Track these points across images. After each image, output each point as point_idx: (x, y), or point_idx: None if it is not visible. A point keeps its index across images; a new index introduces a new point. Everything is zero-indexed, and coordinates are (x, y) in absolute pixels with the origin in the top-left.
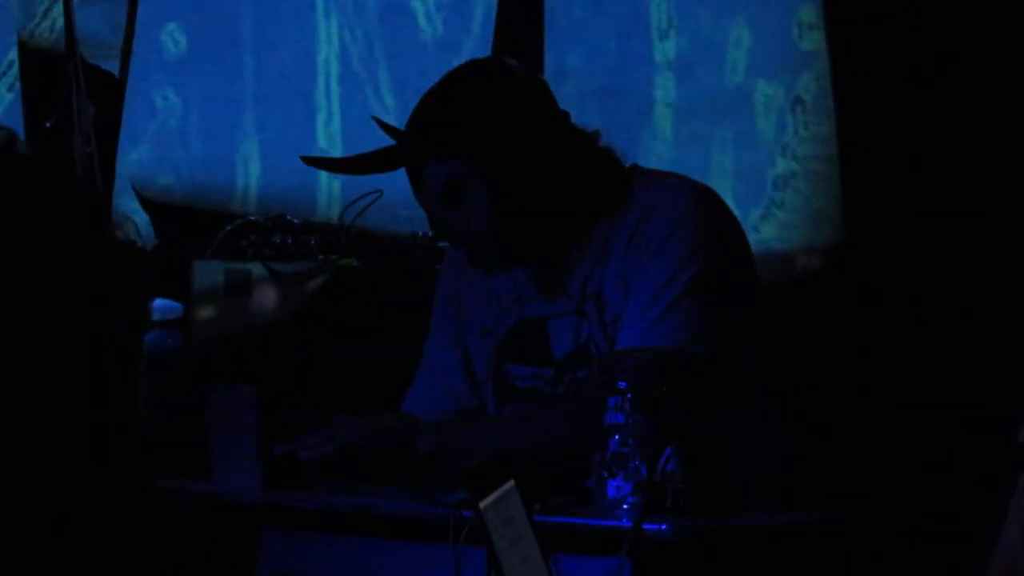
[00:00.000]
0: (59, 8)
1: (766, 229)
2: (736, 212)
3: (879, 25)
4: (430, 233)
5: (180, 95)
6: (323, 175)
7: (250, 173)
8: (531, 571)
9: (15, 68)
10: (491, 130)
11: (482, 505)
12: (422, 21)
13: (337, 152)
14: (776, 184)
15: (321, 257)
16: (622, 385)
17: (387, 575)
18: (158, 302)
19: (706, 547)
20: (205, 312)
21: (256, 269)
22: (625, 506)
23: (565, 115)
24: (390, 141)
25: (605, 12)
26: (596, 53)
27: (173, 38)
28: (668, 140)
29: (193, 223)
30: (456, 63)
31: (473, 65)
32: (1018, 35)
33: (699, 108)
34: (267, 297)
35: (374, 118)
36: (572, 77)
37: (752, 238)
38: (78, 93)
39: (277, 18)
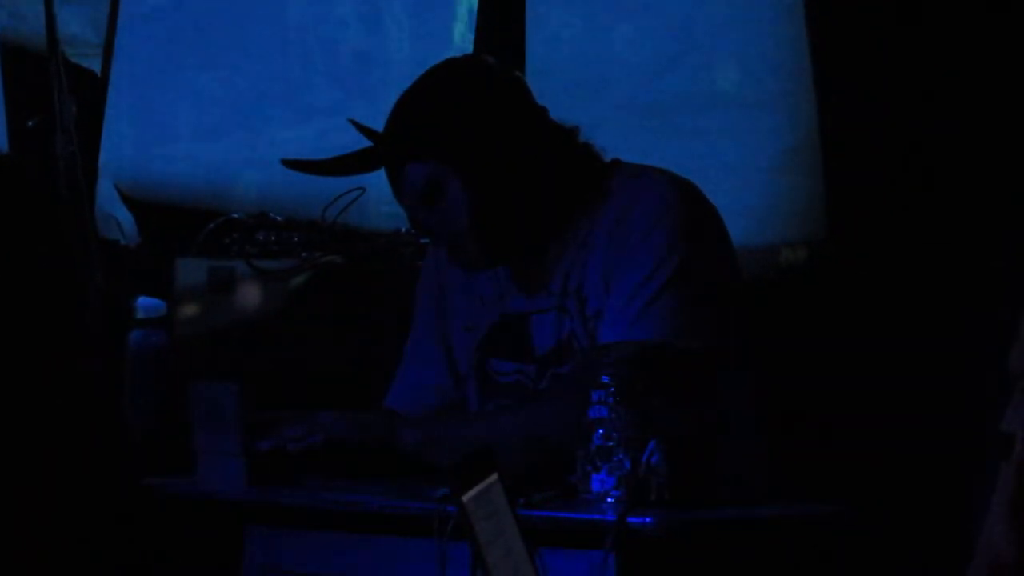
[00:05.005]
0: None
1: (749, 222)
2: (719, 205)
3: (860, 18)
4: (412, 230)
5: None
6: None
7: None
8: (515, 565)
9: None
10: (468, 130)
11: (465, 499)
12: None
13: None
14: (760, 178)
15: (304, 254)
16: (605, 379)
17: (372, 570)
18: (142, 300)
19: (690, 540)
20: (188, 310)
21: (239, 267)
22: (609, 500)
23: (544, 112)
24: None
25: (587, 6)
26: (578, 48)
27: None
28: (651, 135)
29: (176, 221)
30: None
31: (450, 64)
32: (1001, 30)
33: (683, 102)
34: (250, 294)
35: (351, 120)
36: (553, 73)
37: (734, 231)
38: (60, 92)
39: None
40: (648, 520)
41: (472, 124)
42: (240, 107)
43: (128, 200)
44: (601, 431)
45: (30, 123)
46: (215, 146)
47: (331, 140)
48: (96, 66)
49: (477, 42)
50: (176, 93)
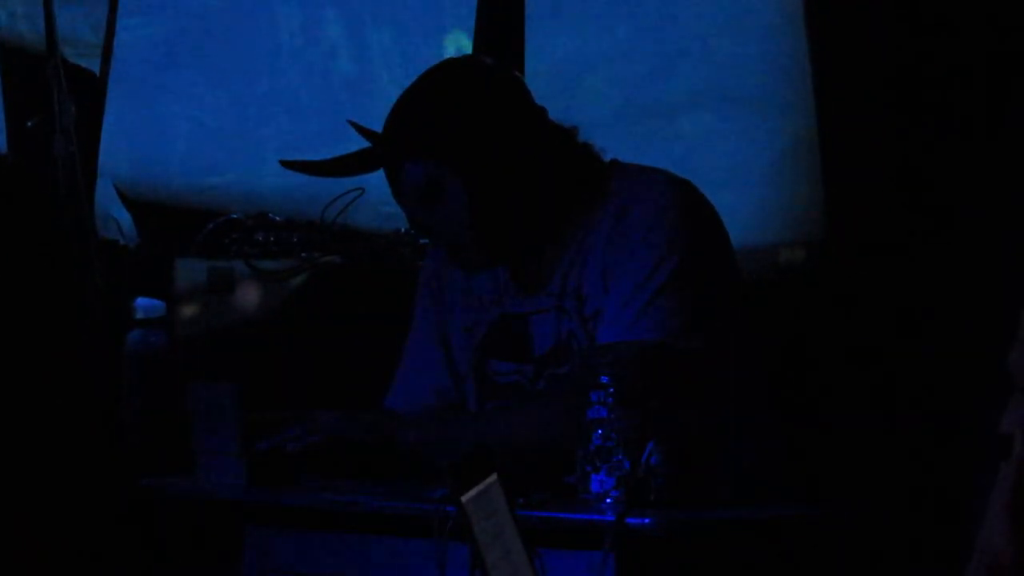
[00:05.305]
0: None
1: (748, 222)
2: (719, 205)
3: (860, 19)
4: (412, 230)
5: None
6: None
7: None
8: (514, 566)
9: None
10: (467, 130)
11: (464, 499)
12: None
13: None
14: (759, 178)
15: (304, 255)
16: (604, 379)
17: (371, 571)
18: (141, 300)
19: (690, 540)
20: (188, 310)
21: (239, 267)
22: (608, 500)
23: (543, 112)
24: None
25: (587, 6)
26: (577, 48)
27: None
28: (651, 135)
29: (176, 221)
30: None
31: (449, 64)
32: (1001, 30)
33: (683, 102)
34: (250, 295)
35: (350, 122)
36: (552, 73)
37: (733, 231)
38: (59, 92)
39: None
40: (647, 520)
41: (471, 123)
42: (238, 107)
43: (127, 200)
44: (600, 431)
45: (29, 124)
46: (214, 146)
47: (327, 141)
48: (95, 66)
49: (476, 40)
50: (175, 93)
